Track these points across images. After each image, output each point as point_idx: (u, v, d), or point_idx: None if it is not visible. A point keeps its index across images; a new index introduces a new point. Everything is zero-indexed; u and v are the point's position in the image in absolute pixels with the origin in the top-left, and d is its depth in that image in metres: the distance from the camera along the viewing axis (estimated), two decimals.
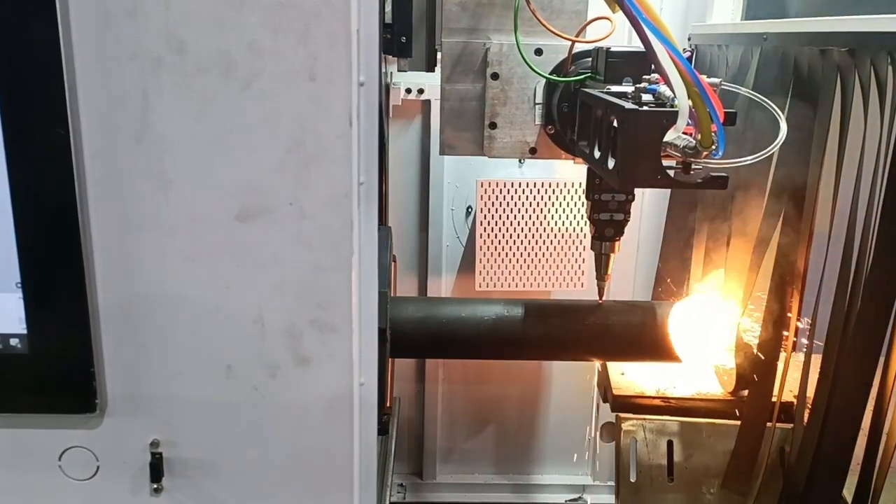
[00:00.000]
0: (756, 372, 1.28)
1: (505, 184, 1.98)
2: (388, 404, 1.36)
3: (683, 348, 1.34)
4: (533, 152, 1.35)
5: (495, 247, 2.01)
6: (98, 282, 0.84)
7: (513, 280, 2.04)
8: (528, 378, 2.26)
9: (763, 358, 1.25)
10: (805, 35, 1.12)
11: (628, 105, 0.94)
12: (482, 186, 1.98)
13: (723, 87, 1.00)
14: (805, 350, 1.16)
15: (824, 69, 1.06)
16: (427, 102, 1.99)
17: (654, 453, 1.39)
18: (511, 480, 2.34)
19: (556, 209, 2.00)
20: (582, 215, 1.98)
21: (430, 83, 1.93)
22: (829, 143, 1.06)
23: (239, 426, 0.90)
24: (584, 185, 1.32)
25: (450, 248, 2.13)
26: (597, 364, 1.56)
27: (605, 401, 1.49)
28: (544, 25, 1.22)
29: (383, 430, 0.97)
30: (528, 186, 1.98)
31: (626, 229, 1.32)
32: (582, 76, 1.24)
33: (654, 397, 1.41)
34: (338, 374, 0.88)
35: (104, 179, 0.81)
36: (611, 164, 0.98)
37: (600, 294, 1.38)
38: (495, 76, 1.31)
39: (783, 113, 1.03)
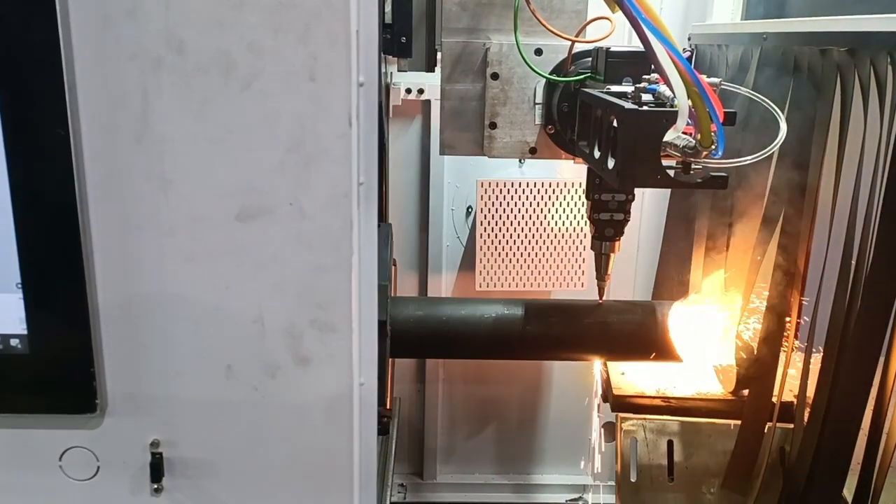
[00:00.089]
0: (756, 372, 1.28)
1: (505, 184, 1.98)
2: (388, 405, 1.36)
3: (684, 348, 1.34)
4: (533, 152, 1.35)
5: (495, 247, 2.01)
6: (98, 282, 0.84)
7: (513, 280, 2.04)
8: (529, 378, 2.26)
9: (763, 357, 1.25)
10: (805, 35, 1.12)
11: (628, 105, 0.94)
12: (482, 186, 1.98)
13: (722, 86, 1.00)
14: (805, 350, 1.16)
15: (824, 69, 1.06)
16: (427, 102, 1.99)
17: (655, 453, 1.39)
18: (511, 480, 2.34)
19: (557, 209, 2.00)
20: (582, 215, 1.98)
21: (430, 83, 1.93)
22: (829, 143, 1.06)
23: (239, 426, 0.90)
24: (584, 185, 1.32)
25: (450, 248, 2.13)
26: (597, 364, 1.56)
27: (605, 401, 1.49)
28: (544, 25, 1.22)
29: (383, 430, 0.97)
30: (528, 186, 1.98)
31: (627, 229, 1.32)
32: (582, 76, 1.24)
33: (654, 397, 1.41)
34: (338, 374, 0.88)
35: (104, 179, 0.81)
36: (611, 163, 0.98)
37: (600, 294, 1.38)
38: (495, 76, 1.31)
39: (783, 113, 1.03)
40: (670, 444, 1.38)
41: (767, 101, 1.04)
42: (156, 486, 0.91)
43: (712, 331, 1.36)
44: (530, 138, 1.35)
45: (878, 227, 0.96)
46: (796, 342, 1.20)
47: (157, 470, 0.90)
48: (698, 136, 0.92)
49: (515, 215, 2.00)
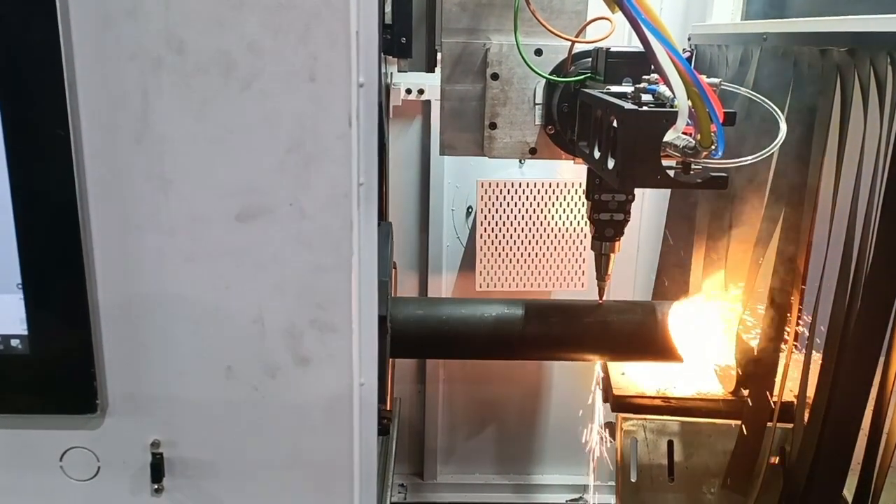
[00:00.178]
0: (756, 372, 1.28)
1: (505, 184, 1.98)
2: (388, 406, 1.36)
3: (684, 348, 1.34)
4: (533, 152, 1.36)
5: (495, 247, 2.01)
6: (98, 282, 0.84)
7: (513, 280, 2.04)
8: (529, 378, 2.26)
9: (763, 357, 1.25)
10: (805, 35, 1.12)
11: (628, 105, 0.94)
12: (482, 187, 1.98)
13: (722, 87, 1.00)
14: (805, 349, 1.16)
15: (824, 69, 1.06)
16: (427, 103, 1.99)
17: (655, 453, 1.39)
18: (512, 480, 2.34)
19: (557, 209, 2.00)
20: (582, 215, 1.98)
21: (430, 84, 1.93)
22: (829, 143, 1.06)
23: (239, 426, 0.90)
24: (584, 186, 1.32)
25: (450, 249, 2.13)
26: (597, 364, 1.56)
27: (605, 401, 1.49)
28: (544, 26, 1.22)
29: (384, 430, 0.97)
30: (528, 187, 1.98)
31: (627, 229, 1.32)
32: (582, 76, 1.24)
33: (654, 397, 1.41)
34: (338, 375, 0.88)
35: (104, 179, 0.81)
36: (611, 164, 0.98)
37: (600, 294, 1.38)
38: (495, 76, 1.31)
39: (783, 113, 1.03)
40: (670, 444, 1.38)
41: (767, 101, 1.04)
42: (156, 487, 0.91)
43: (712, 331, 1.36)
44: (530, 139, 1.35)
45: (878, 227, 0.96)
46: (796, 342, 1.20)
47: (157, 470, 0.90)
48: (698, 137, 0.92)
49: (516, 216, 2.00)
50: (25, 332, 0.84)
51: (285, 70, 0.78)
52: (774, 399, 1.26)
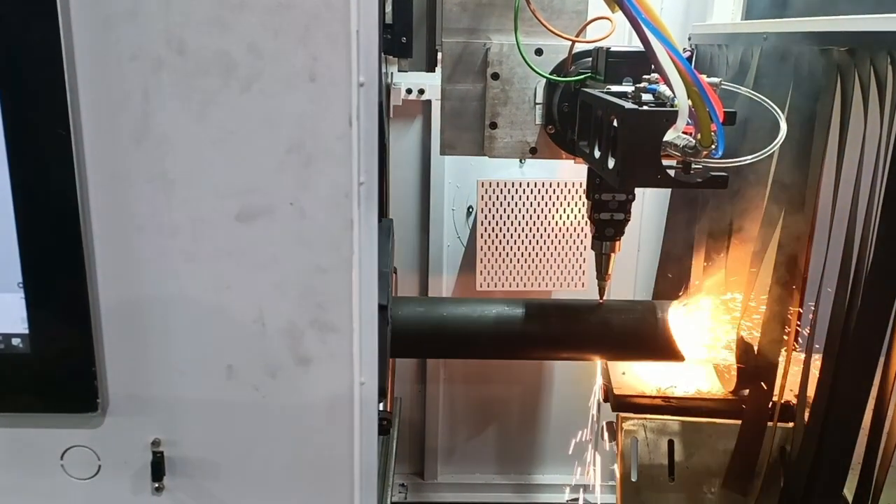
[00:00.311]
0: (757, 371, 1.28)
1: (505, 184, 1.98)
2: (389, 405, 1.36)
3: (684, 347, 1.34)
4: (533, 152, 1.36)
5: (496, 247, 2.01)
6: (99, 282, 0.84)
7: (513, 280, 2.04)
8: (529, 378, 2.26)
9: (764, 357, 1.25)
10: (805, 35, 1.12)
11: (628, 105, 0.94)
12: (483, 186, 1.98)
13: (723, 86, 1.00)
14: (806, 349, 1.16)
15: (824, 69, 1.06)
16: (427, 103, 2.00)
17: (655, 453, 1.39)
18: (512, 480, 2.34)
19: (557, 209, 2.00)
20: (582, 215, 1.99)
21: (430, 83, 1.93)
22: (829, 143, 1.06)
23: (240, 426, 0.90)
24: (584, 185, 1.32)
25: (450, 249, 2.13)
26: (598, 363, 1.56)
27: (605, 400, 1.49)
28: (544, 25, 1.22)
29: (384, 430, 0.97)
30: (528, 186, 1.98)
31: (627, 229, 1.32)
32: (582, 76, 1.24)
33: (654, 397, 1.41)
34: (338, 374, 0.88)
35: (105, 180, 0.81)
36: (611, 163, 0.98)
37: (601, 294, 1.38)
38: (496, 76, 1.31)
39: (783, 112, 1.03)
40: (671, 443, 1.38)
41: (767, 100, 1.04)
42: (157, 485, 0.91)
43: (713, 330, 1.36)
44: (531, 138, 1.35)
45: (878, 227, 0.96)
46: (796, 341, 1.20)
47: (158, 469, 0.90)
48: (698, 136, 0.92)
49: (516, 215, 2.00)
50: (26, 331, 0.84)
51: (285, 70, 0.78)
52: (775, 398, 1.26)
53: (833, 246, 1.06)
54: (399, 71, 1.78)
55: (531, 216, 2.00)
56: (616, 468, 1.42)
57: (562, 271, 2.03)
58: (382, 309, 0.90)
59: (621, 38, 1.33)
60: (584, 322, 1.38)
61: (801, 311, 1.18)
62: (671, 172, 0.94)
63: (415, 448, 2.33)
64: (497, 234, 2.01)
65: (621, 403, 1.41)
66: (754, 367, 1.28)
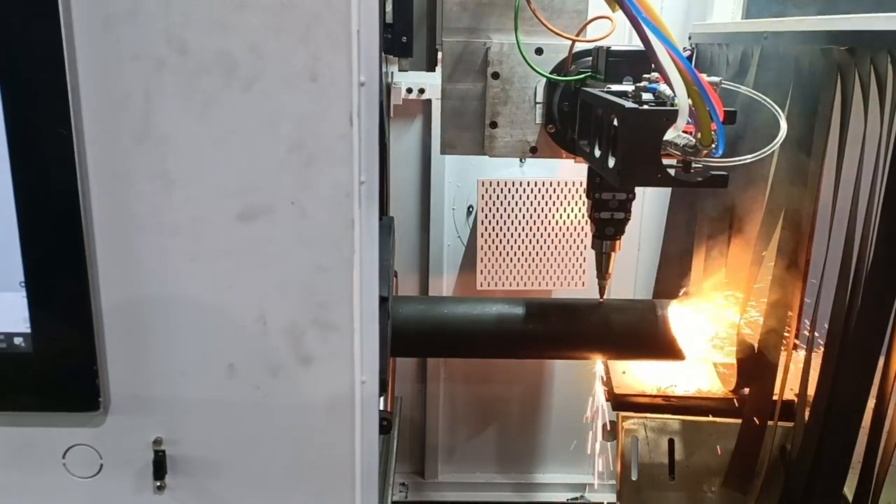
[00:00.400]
0: (757, 370, 1.28)
1: (506, 183, 1.98)
2: (390, 405, 1.37)
3: (685, 346, 1.34)
4: (534, 151, 1.36)
5: (496, 246, 2.02)
6: (101, 281, 0.84)
7: (514, 279, 2.04)
8: (530, 377, 2.26)
9: (764, 356, 1.25)
10: (805, 34, 1.12)
11: (629, 104, 0.94)
12: (483, 186, 1.99)
13: (723, 85, 1.00)
14: (806, 348, 1.17)
15: (824, 68, 1.07)
16: (428, 102, 2.00)
17: (656, 452, 1.39)
18: (513, 479, 2.34)
19: (557, 208, 2.00)
20: (583, 214, 1.99)
21: (430, 83, 1.93)
22: (829, 142, 1.06)
23: (241, 425, 0.91)
24: (584, 184, 1.32)
25: (451, 248, 2.13)
26: (598, 362, 1.56)
27: (606, 399, 1.50)
28: (545, 25, 1.22)
29: (385, 429, 0.98)
30: (528, 186, 1.98)
31: (627, 228, 1.32)
32: (582, 75, 1.24)
33: (655, 396, 1.41)
34: (339, 373, 0.88)
35: (107, 180, 0.81)
36: (611, 162, 0.98)
37: (601, 293, 1.38)
38: (496, 75, 1.31)
39: (783, 111, 1.03)
40: (671, 442, 1.38)
41: (768, 100, 1.04)
42: (158, 484, 0.91)
43: (713, 329, 1.36)
44: (531, 137, 1.35)
45: (878, 227, 0.96)
46: (797, 340, 1.21)
47: (159, 468, 0.90)
48: (698, 135, 0.92)
49: (516, 214, 2.00)
50: (28, 331, 0.84)
51: (286, 70, 0.78)
52: (775, 397, 1.26)
53: (833, 245, 1.06)
54: (399, 70, 1.78)
55: (531, 215, 2.00)
56: (616, 467, 1.43)
57: (562, 270, 2.03)
58: (383, 301, 0.91)
59: (621, 37, 1.33)
60: (584, 321, 1.38)
61: (801, 309, 1.18)
62: (671, 171, 0.94)
63: (415, 447, 2.33)
64: (497, 234, 2.01)
65: (621, 402, 1.41)
66: (754, 365, 1.28)
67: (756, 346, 1.27)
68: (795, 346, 1.21)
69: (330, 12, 0.77)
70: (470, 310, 1.38)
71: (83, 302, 0.83)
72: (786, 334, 1.22)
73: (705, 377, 1.44)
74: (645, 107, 0.93)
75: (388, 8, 1.29)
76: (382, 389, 0.93)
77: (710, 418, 1.37)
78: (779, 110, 1.01)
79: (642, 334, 1.37)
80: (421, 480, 2.34)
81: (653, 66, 0.96)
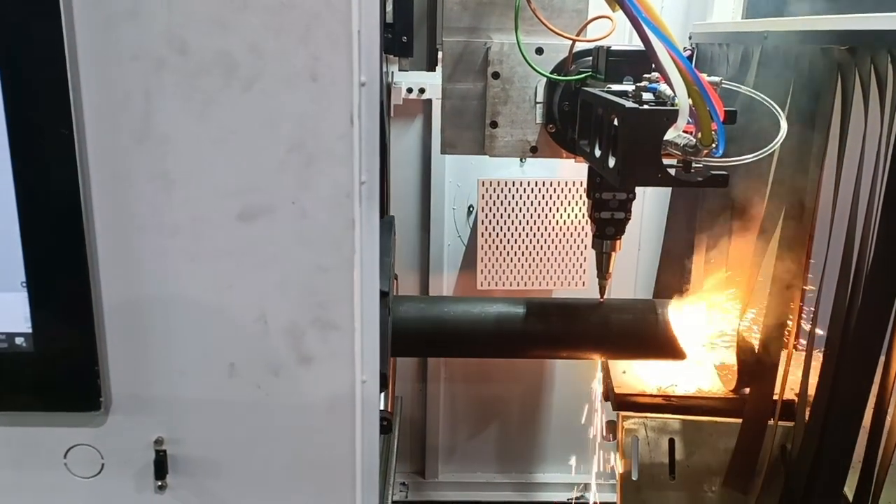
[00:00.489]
0: (758, 369, 1.28)
1: (506, 183, 1.98)
2: (390, 405, 1.36)
3: (685, 346, 1.34)
4: (534, 151, 1.36)
5: (496, 246, 2.02)
6: (102, 281, 0.84)
7: (514, 279, 2.04)
8: (530, 377, 2.26)
9: (764, 355, 1.25)
10: (805, 33, 1.12)
11: (629, 104, 0.94)
12: (483, 185, 1.99)
13: (723, 85, 1.00)
14: (806, 347, 1.17)
15: (824, 67, 1.07)
16: (428, 102, 2.00)
17: (656, 451, 1.39)
18: (513, 479, 2.34)
19: (558, 208, 2.00)
20: (583, 214, 1.99)
21: (431, 82, 1.93)
22: (829, 142, 1.06)
23: (242, 424, 0.91)
24: (585, 184, 1.32)
25: (451, 248, 2.13)
26: (599, 362, 1.57)
27: (606, 399, 1.50)
28: (545, 25, 1.22)
29: (385, 428, 0.98)
30: (529, 185, 1.98)
31: (627, 228, 1.32)
32: (583, 75, 1.24)
33: (655, 395, 1.41)
34: (340, 373, 0.88)
35: (107, 180, 0.81)
36: (611, 162, 0.98)
37: (602, 292, 1.38)
38: (496, 75, 1.31)
39: (783, 111, 1.03)
40: (672, 442, 1.38)
41: (768, 99, 1.04)
42: (160, 484, 0.91)
43: (713, 329, 1.36)
44: (531, 137, 1.35)
45: (878, 226, 0.96)
46: (797, 340, 1.21)
47: (160, 467, 0.90)
48: (699, 135, 0.92)
49: (516, 214, 2.00)
50: (29, 331, 0.84)
51: (287, 70, 0.78)
52: (776, 397, 1.26)
53: (833, 245, 1.06)
54: (400, 70, 1.78)
55: (532, 215, 2.00)
56: (617, 467, 1.43)
57: (562, 270, 2.03)
58: (383, 296, 0.91)
59: (622, 37, 1.33)
60: (584, 321, 1.38)
61: (801, 309, 1.18)
62: (672, 171, 0.94)
63: (416, 447, 2.33)
64: (498, 233, 2.01)
65: (622, 402, 1.41)
66: (755, 365, 1.28)
67: (756, 345, 1.27)
68: (796, 346, 1.21)
69: (330, 12, 0.77)
70: (470, 309, 1.38)
71: (84, 302, 0.83)
72: (787, 333, 1.22)
73: (706, 377, 1.44)
74: (645, 106, 0.93)
75: (389, 8, 1.29)
76: (383, 385, 0.93)
77: (711, 418, 1.37)
78: (779, 110, 1.02)
79: (642, 334, 1.37)
80: (421, 480, 2.34)
81: (653, 65, 0.96)
